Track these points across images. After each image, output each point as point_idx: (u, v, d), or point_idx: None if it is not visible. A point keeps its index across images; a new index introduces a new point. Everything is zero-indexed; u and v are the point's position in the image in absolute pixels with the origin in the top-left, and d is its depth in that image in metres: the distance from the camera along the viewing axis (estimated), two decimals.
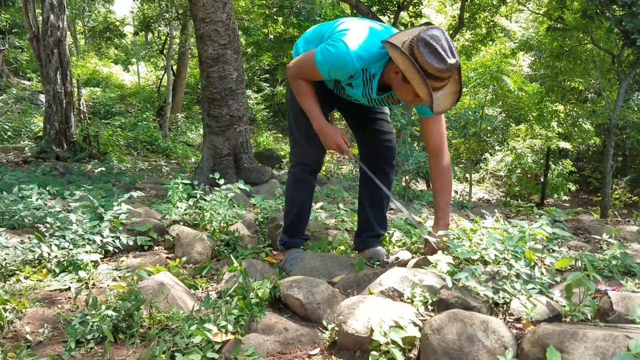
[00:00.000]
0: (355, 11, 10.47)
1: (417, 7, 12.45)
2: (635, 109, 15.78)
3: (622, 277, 2.24)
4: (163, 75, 17.33)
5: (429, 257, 2.26)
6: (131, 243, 3.05)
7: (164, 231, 3.40)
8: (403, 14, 12.83)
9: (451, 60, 2.03)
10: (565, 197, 16.64)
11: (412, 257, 2.46)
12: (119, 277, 2.59)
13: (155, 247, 3.28)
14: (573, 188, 16.61)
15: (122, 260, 2.88)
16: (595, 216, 6.03)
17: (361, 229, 2.76)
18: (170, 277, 2.29)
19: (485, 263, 2.26)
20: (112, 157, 8.76)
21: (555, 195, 15.80)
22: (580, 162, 19.04)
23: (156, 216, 3.69)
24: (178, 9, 12.99)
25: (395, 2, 12.20)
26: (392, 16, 12.28)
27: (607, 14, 9.15)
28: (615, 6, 8.93)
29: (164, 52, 16.25)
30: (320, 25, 2.58)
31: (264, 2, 14.35)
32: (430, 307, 1.92)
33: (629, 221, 5.34)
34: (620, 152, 17.12)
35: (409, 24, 11.98)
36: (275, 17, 14.15)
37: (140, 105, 18.48)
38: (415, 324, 1.72)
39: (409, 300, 1.96)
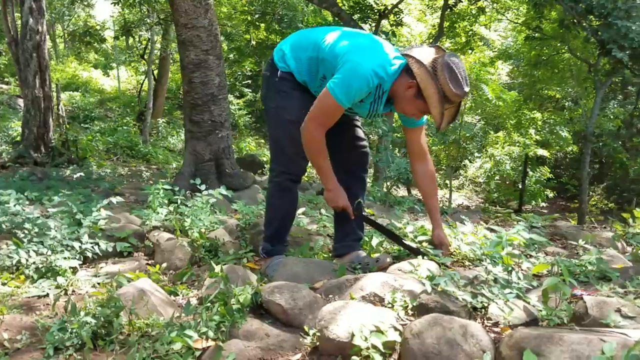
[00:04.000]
0: (337, 19, 10.53)
1: (397, 16, 12.58)
2: (612, 117, 16.11)
3: (597, 282, 2.29)
4: (144, 80, 17.20)
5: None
6: (110, 249, 3.02)
7: (144, 237, 3.37)
8: (384, 22, 12.94)
9: (466, 89, 2.21)
10: (543, 204, 16.88)
11: (394, 262, 2.49)
12: (98, 283, 2.56)
13: (135, 254, 3.24)
14: (550, 195, 16.87)
15: (101, 267, 2.85)
16: (572, 222, 6.13)
17: (343, 234, 2.77)
18: (150, 284, 2.27)
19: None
20: (91, 162, 8.65)
21: (533, 202, 16.03)
22: (558, 169, 19.33)
23: (136, 222, 3.65)
24: (159, 14, 12.92)
25: (376, 11, 12.31)
26: (373, 24, 12.38)
27: (584, 24, 9.35)
28: (591, 16, 9.12)
29: (145, 57, 16.12)
30: (308, 31, 2.59)
31: (246, 8, 14.37)
32: (410, 312, 1.94)
33: (604, 227, 5.44)
34: (597, 159, 17.45)
35: (390, 32, 12.09)
36: (258, 24, 14.18)
37: (120, 110, 18.31)
38: (395, 329, 1.73)
39: (390, 305, 1.98)
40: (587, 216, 11.84)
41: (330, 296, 2.15)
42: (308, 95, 2.54)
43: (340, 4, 11.06)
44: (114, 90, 22.05)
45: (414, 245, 2.58)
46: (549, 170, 16.57)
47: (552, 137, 15.97)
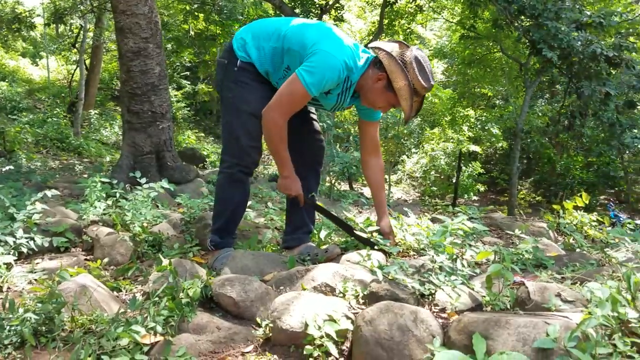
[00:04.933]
0: (278, 12, 10.48)
1: (339, 12, 12.68)
2: (540, 114, 16.94)
3: (534, 269, 2.41)
4: (75, 70, 16.43)
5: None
6: (46, 244, 2.88)
7: (82, 232, 3.24)
8: (325, 17, 13.01)
9: (432, 82, 2.29)
10: (475, 197, 17.53)
11: (342, 253, 2.52)
12: (35, 279, 2.43)
13: (73, 249, 3.12)
14: (482, 189, 17.53)
15: (37, 263, 2.71)
16: (503, 214, 6.41)
17: (294, 226, 2.77)
18: (92, 279, 2.19)
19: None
20: (20, 155, 8.20)
21: (466, 196, 16.62)
22: (489, 165, 20.10)
23: (72, 216, 3.50)
24: (93, 1, 12.36)
25: (318, 5, 12.35)
26: (314, 19, 12.41)
27: (516, 24, 9.73)
28: (523, 17, 9.51)
29: (77, 45, 15.39)
30: (269, 21, 2.55)
31: None
32: (361, 301, 1.98)
33: (533, 219, 5.72)
34: (525, 155, 18.29)
35: None
36: (197, 14, 13.87)
37: (50, 101, 17.42)
38: (347, 317, 1.76)
39: (341, 295, 2.00)
40: (516, 209, 12.40)
41: (282, 288, 2.16)
42: (268, 87, 2.51)
43: None
44: (43, 80, 20.93)
45: (364, 235, 2.61)
46: (481, 165, 17.21)
47: (483, 133, 16.63)
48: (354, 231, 2.70)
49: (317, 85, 2.23)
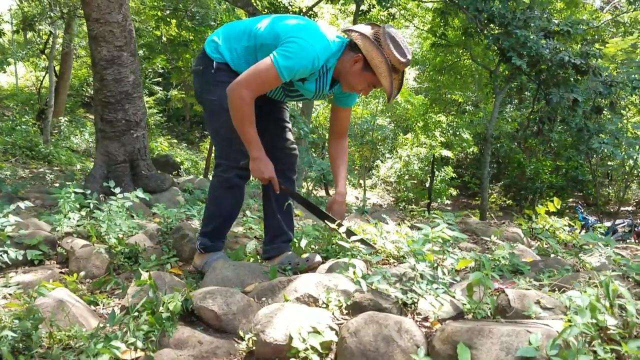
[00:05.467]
0: None
1: (312, 19, 12.74)
2: (509, 120, 17.29)
3: (510, 275, 2.45)
4: (44, 77, 16.08)
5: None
6: (20, 257, 2.80)
7: (56, 244, 3.16)
8: None
9: (409, 56, 2.29)
10: (448, 201, 17.78)
11: (323, 262, 2.52)
12: (10, 294, 2.37)
13: (47, 262, 3.04)
14: (454, 193, 17.80)
15: (12, 277, 2.64)
16: (475, 218, 6.51)
17: (273, 235, 2.75)
18: (68, 294, 2.14)
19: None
20: None
21: (439, 200, 16.84)
22: (460, 169, 20.43)
23: (45, 228, 3.41)
24: (63, 7, 12.11)
25: (291, 13, 12.39)
26: None
27: (486, 32, 9.93)
28: (493, 25, 9.71)
29: (46, 52, 15.06)
30: (237, 22, 2.54)
31: (156, 4, 13.88)
32: (345, 311, 1.97)
33: (503, 222, 5.82)
34: (495, 159, 18.64)
35: None
36: (169, 20, 13.72)
37: (19, 108, 17.00)
38: (331, 328, 1.76)
39: (325, 305, 2.00)
40: (487, 212, 12.61)
41: (264, 299, 2.14)
42: None
43: (255, 4, 10.98)
44: (12, 87, 20.45)
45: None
46: (452, 170, 17.49)
47: (455, 138, 16.91)
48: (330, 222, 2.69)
49: (290, 71, 2.21)
